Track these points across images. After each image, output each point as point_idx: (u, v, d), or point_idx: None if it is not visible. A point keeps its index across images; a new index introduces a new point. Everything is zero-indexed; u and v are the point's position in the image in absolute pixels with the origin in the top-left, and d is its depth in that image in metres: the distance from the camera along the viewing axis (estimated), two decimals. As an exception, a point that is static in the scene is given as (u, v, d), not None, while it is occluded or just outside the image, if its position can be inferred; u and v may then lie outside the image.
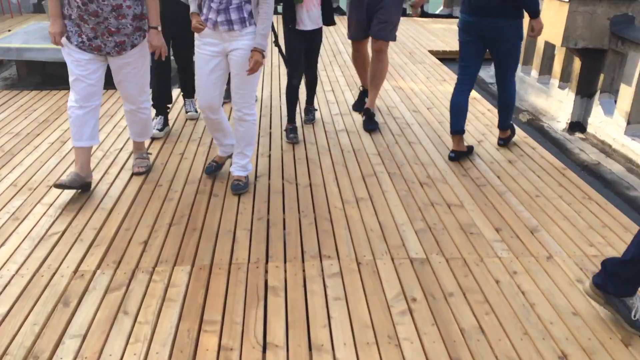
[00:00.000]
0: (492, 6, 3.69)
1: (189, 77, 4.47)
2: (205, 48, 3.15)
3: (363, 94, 5.07)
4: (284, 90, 5.74)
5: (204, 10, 3.10)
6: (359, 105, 5.06)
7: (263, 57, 3.10)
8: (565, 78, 5.43)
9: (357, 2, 4.43)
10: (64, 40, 3.12)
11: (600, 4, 4.60)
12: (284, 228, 3.05)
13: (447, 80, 6.36)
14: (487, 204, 3.37)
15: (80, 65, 3.15)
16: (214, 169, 3.65)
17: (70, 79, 3.19)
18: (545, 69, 5.84)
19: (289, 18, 4.03)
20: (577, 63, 5.03)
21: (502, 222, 3.16)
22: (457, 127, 4.04)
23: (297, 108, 4.55)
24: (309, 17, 4.03)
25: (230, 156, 3.66)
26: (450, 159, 4.00)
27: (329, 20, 4.16)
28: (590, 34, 4.70)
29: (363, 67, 4.86)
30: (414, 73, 6.64)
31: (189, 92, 4.74)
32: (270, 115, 4.96)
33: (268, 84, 5.99)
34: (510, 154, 4.20)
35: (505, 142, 4.33)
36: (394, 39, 4.54)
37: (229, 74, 3.27)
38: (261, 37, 3.09)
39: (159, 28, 3.25)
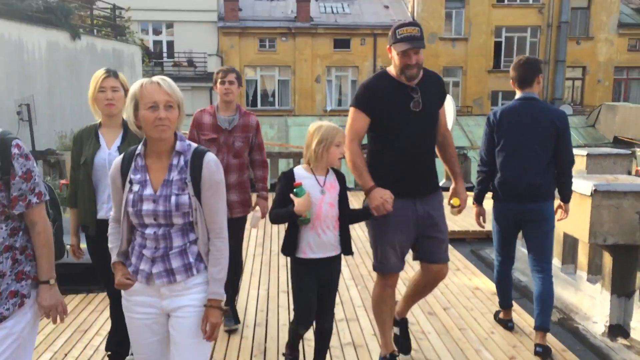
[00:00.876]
0: (532, 191, 3.78)
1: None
2: (137, 310, 2.29)
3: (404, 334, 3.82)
4: (284, 287, 5.22)
5: (133, 259, 2.30)
6: (405, 345, 3.80)
7: (222, 311, 2.28)
8: (593, 270, 4.91)
9: (402, 221, 3.27)
10: None
11: (626, 197, 4.25)
12: None
13: (460, 269, 5.85)
14: None
15: None
16: None
17: None
18: (569, 258, 5.35)
19: (293, 244, 3.08)
20: (607, 258, 4.54)
21: None
22: (509, 302, 4.27)
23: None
24: (322, 241, 3.05)
25: None
26: (509, 329, 4.25)
27: (346, 249, 3.16)
28: (620, 229, 4.28)
29: (392, 309, 3.57)
30: (423, 260, 6.15)
31: None
32: (266, 323, 4.36)
33: (266, 277, 5.48)
34: (552, 377, 3.52)
35: (544, 352, 3.69)
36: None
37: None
38: (217, 284, 2.27)
39: (52, 282, 2.30)
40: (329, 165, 3.09)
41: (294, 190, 2.97)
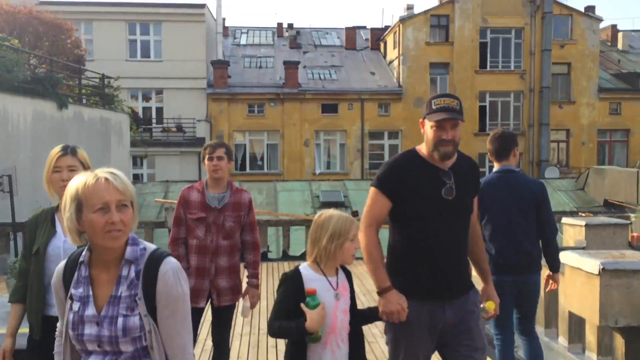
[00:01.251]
0: (526, 262, 3.82)
1: None
2: None
3: None
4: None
5: None
6: None
7: None
8: (603, 352, 4.63)
9: (427, 327, 2.78)
10: None
11: (635, 276, 4.04)
12: None
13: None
14: None
15: None
16: None
17: None
18: (575, 336, 5.07)
19: None
20: (618, 341, 4.28)
21: None
22: None
23: None
24: (335, 358, 2.52)
25: None
26: None
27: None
28: (631, 310, 4.04)
29: None
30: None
31: None
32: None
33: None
34: None
35: None
36: None
37: None
38: None
39: None
40: (342, 263, 2.61)
41: (306, 299, 2.41)
